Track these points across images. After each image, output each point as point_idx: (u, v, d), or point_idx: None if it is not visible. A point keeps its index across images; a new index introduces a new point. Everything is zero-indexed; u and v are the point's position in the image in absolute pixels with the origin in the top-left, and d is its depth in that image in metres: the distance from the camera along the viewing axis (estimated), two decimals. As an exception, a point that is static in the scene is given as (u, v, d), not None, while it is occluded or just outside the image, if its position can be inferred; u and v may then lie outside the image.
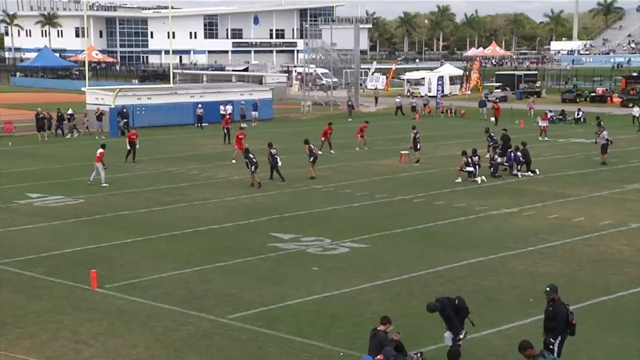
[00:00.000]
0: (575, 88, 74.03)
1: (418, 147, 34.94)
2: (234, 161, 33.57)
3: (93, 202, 26.62)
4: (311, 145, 30.87)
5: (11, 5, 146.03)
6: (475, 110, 57.06)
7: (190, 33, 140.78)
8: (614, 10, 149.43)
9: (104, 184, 29.08)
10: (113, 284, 17.43)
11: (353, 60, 68.55)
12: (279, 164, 29.90)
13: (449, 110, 59.33)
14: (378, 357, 11.56)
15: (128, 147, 34.67)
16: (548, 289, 12.61)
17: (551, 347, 12.49)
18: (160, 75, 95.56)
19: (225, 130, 42.04)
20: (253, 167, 28.70)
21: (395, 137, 41.82)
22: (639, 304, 16.32)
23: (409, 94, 74.59)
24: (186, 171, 32.84)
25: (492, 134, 35.16)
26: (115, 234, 21.97)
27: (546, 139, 42.85)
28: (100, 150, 29.58)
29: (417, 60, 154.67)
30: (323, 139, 37.25)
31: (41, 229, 22.89)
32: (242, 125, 45.74)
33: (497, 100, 59.90)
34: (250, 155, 28.85)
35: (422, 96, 67.16)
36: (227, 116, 44.84)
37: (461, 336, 12.98)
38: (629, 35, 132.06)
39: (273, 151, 29.89)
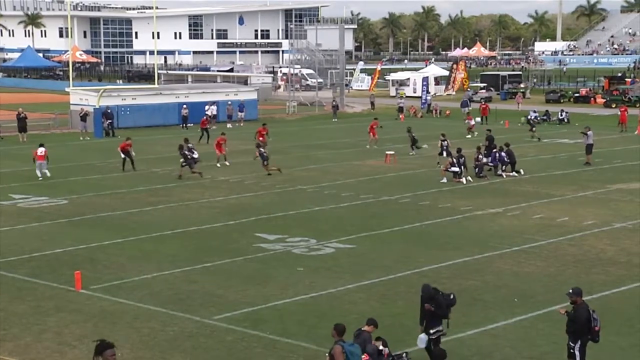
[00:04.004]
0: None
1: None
2: (218, 165, 33.63)
3: (77, 202, 26.49)
4: (260, 149, 31.57)
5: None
6: (460, 111, 57.30)
7: (175, 33, 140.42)
8: (597, 12, 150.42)
9: (40, 178, 30.34)
10: (98, 285, 17.34)
11: (338, 60, 68.57)
12: (195, 158, 31.17)
13: (433, 111, 59.50)
14: (363, 356, 11.55)
15: (122, 156, 33.00)
16: (570, 291, 12.52)
17: (571, 350, 12.38)
18: (144, 76, 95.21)
19: (204, 132, 41.88)
20: (191, 162, 30.77)
21: (382, 137, 41.89)
22: (622, 304, 16.46)
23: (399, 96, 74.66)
24: (171, 172, 32.72)
25: (414, 135, 36.94)
26: (100, 235, 21.86)
27: (476, 134, 44.13)
28: (42, 149, 30.79)
29: (406, 60, 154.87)
30: (261, 138, 37.45)
31: (25, 230, 22.74)
32: (228, 125, 45.76)
33: (482, 101, 60.15)
34: (185, 152, 30.76)
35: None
36: (205, 117, 44.56)
37: (434, 330, 12.87)
38: (612, 37, 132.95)
39: (190, 145, 31.38)
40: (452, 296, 13.03)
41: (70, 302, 16.41)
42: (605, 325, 14.84)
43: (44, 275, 18.22)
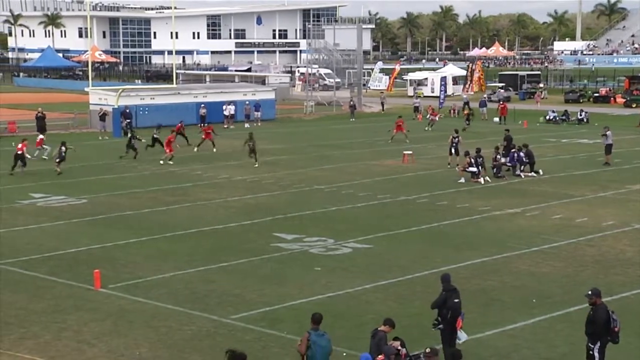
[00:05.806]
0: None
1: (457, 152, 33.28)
2: (161, 162, 34.30)
3: (96, 202, 26.66)
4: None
5: (14, 5, 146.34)
6: (477, 111, 57.02)
7: (194, 33, 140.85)
8: (617, 11, 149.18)
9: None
10: (116, 284, 17.45)
11: (356, 60, 68.53)
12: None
13: (451, 111, 59.27)
14: (379, 357, 11.55)
15: (14, 160, 31.58)
16: (590, 292, 12.44)
17: (590, 352, 12.32)
18: (163, 76, 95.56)
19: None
20: (63, 158, 31.85)
21: (399, 137, 41.78)
22: (642, 305, 16.33)
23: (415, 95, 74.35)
24: (189, 171, 32.86)
25: (253, 143, 34.30)
26: (118, 234, 22.00)
27: (431, 129, 46.93)
28: (41, 136, 35.86)
29: (424, 60, 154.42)
30: (204, 137, 38.90)
31: (44, 229, 22.92)
32: (246, 125, 45.56)
33: (501, 101, 59.84)
34: (63, 149, 31.94)
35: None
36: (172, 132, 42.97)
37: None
38: (633, 36, 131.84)
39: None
40: (456, 300, 12.98)
41: (89, 300, 16.53)
42: (625, 326, 14.73)
43: (63, 273, 18.36)
